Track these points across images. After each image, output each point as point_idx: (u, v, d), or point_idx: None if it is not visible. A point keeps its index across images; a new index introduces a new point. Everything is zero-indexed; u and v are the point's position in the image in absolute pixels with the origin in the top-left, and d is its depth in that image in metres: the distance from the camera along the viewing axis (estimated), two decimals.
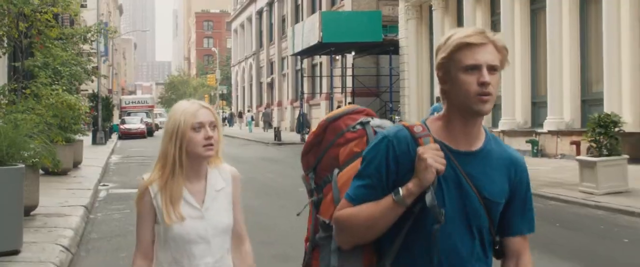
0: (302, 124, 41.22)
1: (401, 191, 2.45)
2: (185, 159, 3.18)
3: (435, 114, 2.61)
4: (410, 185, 2.44)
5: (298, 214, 3.15)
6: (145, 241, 3.24)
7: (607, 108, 19.59)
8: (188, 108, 3.18)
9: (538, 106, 24.70)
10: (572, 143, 20.02)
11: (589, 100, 22.10)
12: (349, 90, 41.19)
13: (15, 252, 8.18)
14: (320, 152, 2.88)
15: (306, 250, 2.86)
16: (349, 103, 39.66)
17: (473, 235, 2.57)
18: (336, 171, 2.77)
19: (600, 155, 13.64)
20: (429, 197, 2.43)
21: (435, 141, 2.51)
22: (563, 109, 22.48)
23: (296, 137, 41.55)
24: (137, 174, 20.25)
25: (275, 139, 40.74)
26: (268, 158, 28.35)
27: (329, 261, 2.66)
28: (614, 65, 20.07)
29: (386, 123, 2.84)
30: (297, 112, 47.94)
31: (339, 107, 31.47)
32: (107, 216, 12.62)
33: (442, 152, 2.46)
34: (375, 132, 2.76)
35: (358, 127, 2.81)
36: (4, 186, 8.18)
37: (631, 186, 13.76)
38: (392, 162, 2.52)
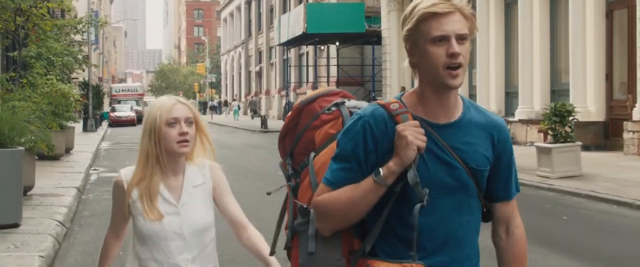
0: (287, 112, 42.11)
1: (382, 171, 2.39)
2: (163, 154, 3.17)
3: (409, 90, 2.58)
4: (391, 164, 2.38)
5: (269, 193, 3.15)
6: (117, 222, 3.34)
7: (573, 98, 20.70)
8: (164, 104, 3.17)
9: (511, 96, 25.72)
10: (539, 131, 21.05)
11: (558, 90, 23.11)
12: (333, 79, 42.06)
13: (16, 225, 9.13)
14: (295, 136, 2.81)
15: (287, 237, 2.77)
16: None
17: (462, 207, 2.51)
18: (312, 154, 2.70)
19: (556, 142, 14.71)
20: (411, 175, 2.37)
21: (413, 117, 2.44)
22: (533, 98, 23.49)
23: (282, 124, 42.48)
24: (127, 160, 21.31)
25: (261, 127, 41.69)
26: (253, 145, 29.38)
27: (307, 247, 2.60)
28: (579, 58, 21.10)
29: (362, 104, 2.75)
30: (284, 101, 48.84)
31: None
32: (98, 197, 13.58)
33: (422, 129, 2.40)
34: (351, 113, 2.67)
35: (333, 108, 2.74)
36: (6, 166, 9.14)
37: (584, 171, 14.81)
38: (371, 142, 2.44)
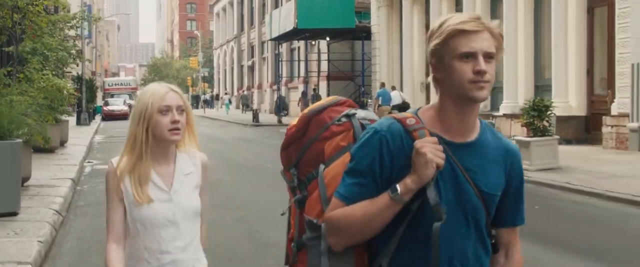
0: (279, 107, 42.65)
1: (399, 187, 2.34)
2: (152, 141, 3.16)
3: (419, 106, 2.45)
4: (409, 181, 2.33)
5: (283, 214, 2.92)
6: (116, 225, 3.20)
7: (555, 93, 21.29)
8: (156, 91, 3.16)
9: (496, 91, 26.18)
10: (522, 125, 21.59)
11: (542, 85, 23.67)
12: (324, 74, 42.51)
13: (14, 214, 9.64)
14: (302, 146, 2.73)
15: (289, 251, 2.71)
16: (314, 90, 40.90)
17: (471, 230, 2.48)
18: (322, 166, 2.63)
19: (535, 135, 15.27)
20: (431, 194, 2.34)
21: (431, 133, 2.40)
22: (518, 93, 24.05)
23: (274, 119, 42.99)
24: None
25: (253, 121, 42.13)
26: (245, 138, 29.87)
27: (319, 263, 2.51)
28: (561, 54, 21.67)
29: (371, 115, 2.72)
30: (276, 95, 49.33)
31: (314, 90, 32.48)
32: (92, 188, 14.08)
33: (441, 146, 2.35)
34: (362, 125, 2.63)
35: (343, 119, 2.68)
36: (5, 157, 9.64)
37: (562, 163, 15.38)
38: (387, 157, 2.40)
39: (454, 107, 2.41)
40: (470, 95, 2.34)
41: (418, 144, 2.32)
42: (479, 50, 2.32)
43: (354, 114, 2.68)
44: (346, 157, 2.51)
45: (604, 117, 19.36)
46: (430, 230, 2.35)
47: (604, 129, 19.19)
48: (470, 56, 2.32)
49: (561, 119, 20.48)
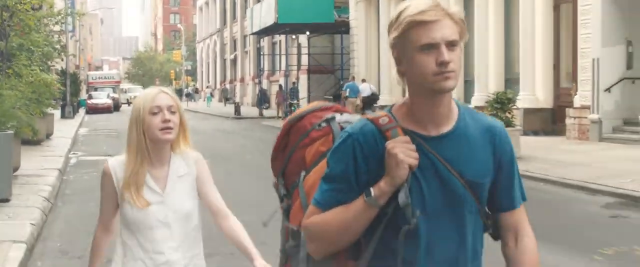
0: (260, 100, 43.40)
1: (373, 191, 2.24)
2: (149, 144, 3.22)
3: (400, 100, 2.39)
4: (382, 184, 2.23)
5: (265, 225, 2.96)
6: (107, 215, 3.36)
7: (523, 87, 22.20)
8: (148, 94, 3.24)
9: (469, 84, 27.07)
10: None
11: (512, 79, 24.48)
12: (305, 67, 43.25)
13: (6, 200, 10.45)
14: (285, 156, 2.71)
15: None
16: (293, 83, 41.57)
17: (463, 223, 2.35)
18: (303, 173, 2.60)
19: None
20: (402, 196, 2.23)
21: (404, 131, 2.28)
22: (489, 86, 24.84)
23: (256, 111, 43.76)
24: (104, 145, 22.67)
25: (235, 114, 42.86)
26: (224, 130, 30.70)
27: None
28: (528, 49, 22.56)
29: (354, 118, 2.61)
30: (257, 88, 50.04)
31: (294, 84, 33.17)
32: (78, 178, 14.86)
33: (413, 145, 2.24)
34: (342, 129, 2.51)
35: (323, 124, 2.63)
36: None
37: (525, 153, 16.18)
38: (361, 160, 2.29)
39: (423, 100, 2.29)
40: (437, 87, 2.22)
41: (389, 145, 2.23)
42: (440, 39, 2.19)
43: (333, 118, 2.64)
44: (325, 163, 2.41)
45: (567, 109, 20.27)
46: (412, 231, 2.26)
47: (568, 121, 20.11)
48: (432, 47, 2.19)
49: (529, 111, 21.49)
